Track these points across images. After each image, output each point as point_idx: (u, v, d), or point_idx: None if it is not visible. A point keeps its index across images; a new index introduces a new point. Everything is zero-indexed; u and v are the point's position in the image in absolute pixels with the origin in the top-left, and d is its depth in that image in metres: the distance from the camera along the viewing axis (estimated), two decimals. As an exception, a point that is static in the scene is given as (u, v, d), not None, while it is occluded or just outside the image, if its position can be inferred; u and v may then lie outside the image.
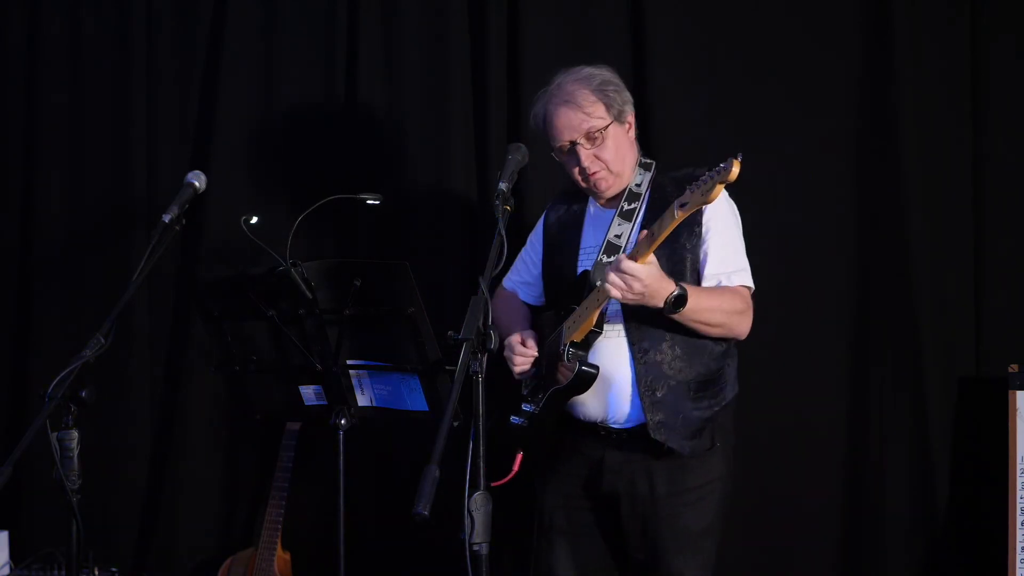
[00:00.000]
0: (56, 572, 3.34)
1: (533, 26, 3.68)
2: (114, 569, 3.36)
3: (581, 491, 2.89)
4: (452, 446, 2.19)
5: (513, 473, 2.80)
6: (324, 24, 3.83)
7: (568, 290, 2.84)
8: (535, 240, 3.09)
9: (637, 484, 2.81)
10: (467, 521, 2.19)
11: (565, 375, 2.74)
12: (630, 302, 2.63)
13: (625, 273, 2.54)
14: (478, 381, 2.28)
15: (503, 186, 2.57)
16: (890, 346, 3.54)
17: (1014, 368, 3.35)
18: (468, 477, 2.22)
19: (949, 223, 3.53)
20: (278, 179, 3.85)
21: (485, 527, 2.20)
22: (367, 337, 2.72)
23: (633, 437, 2.79)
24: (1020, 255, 3.53)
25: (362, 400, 2.82)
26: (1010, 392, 3.34)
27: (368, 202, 3.25)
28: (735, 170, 2.41)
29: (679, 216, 2.51)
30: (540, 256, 3.05)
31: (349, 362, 2.77)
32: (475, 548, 2.19)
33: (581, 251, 2.90)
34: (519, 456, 2.83)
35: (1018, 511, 3.31)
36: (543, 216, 3.09)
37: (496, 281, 3.09)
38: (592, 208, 2.95)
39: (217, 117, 3.85)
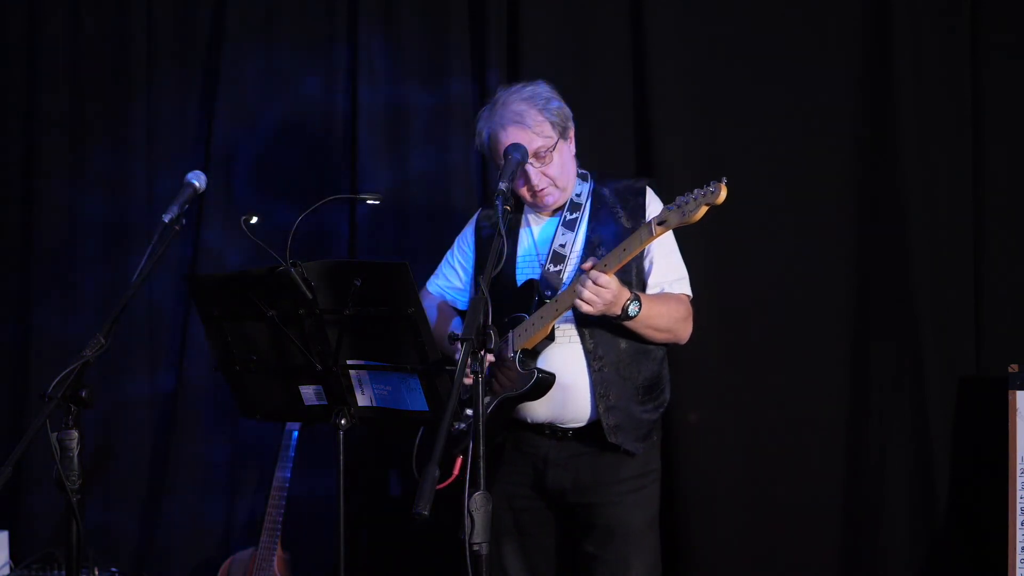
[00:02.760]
0: (56, 572, 3.34)
1: (533, 26, 3.68)
2: (114, 569, 3.36)
3: (526, 491, 2.94)
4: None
5: (454, 477, 2.81)
6: (325, 23, 3.83)
7: (510, 299, 2.87)
8: (464, 246, 3.11)
9: (581, 475, 2.87)
10: (467, 521, 2.19)
11: (518, 382, 2.78)
12: (598, 313, 2.69)
13: (601, 287, 2.62)
14: (478, 381, 2.28)
15: (503, 186, 2.59)
16: (890, 346, 3.54)
17: (1014, 368, 3.35)
18: (468, 477, 2.22)
19: (949, 223, 3.53)
20: (278, 179, 3.85)
21: (485, 527, 2.20)
22: (367, 337, 2.72)
23: (578, 434, 2.86)
24: (1020, 255, 3.53)
25: (362, 400, 2.81)
26: (1010, 392, 3.34)
27: (368, 202, 3.25)
28: (723, 194, 2.47)
29: (657, 232, 2.59)
30: (472, 262, 3.07)
31: (349, 362, 2.76)
32: (475, 548, 2.19)
33: (519, 259, 2.94)
34: (459, 460, 2.84)
35: (1018, 511, 3.31)
36: (474, 221, 3.11)
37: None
38: (528, 216, 2.99)
39: (217, 116, 3.84)
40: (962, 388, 3.53)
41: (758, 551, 3.60)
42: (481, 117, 2.91)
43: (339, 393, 2.80)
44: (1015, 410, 3.33)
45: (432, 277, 3.17)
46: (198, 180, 2.80)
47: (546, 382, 2.78)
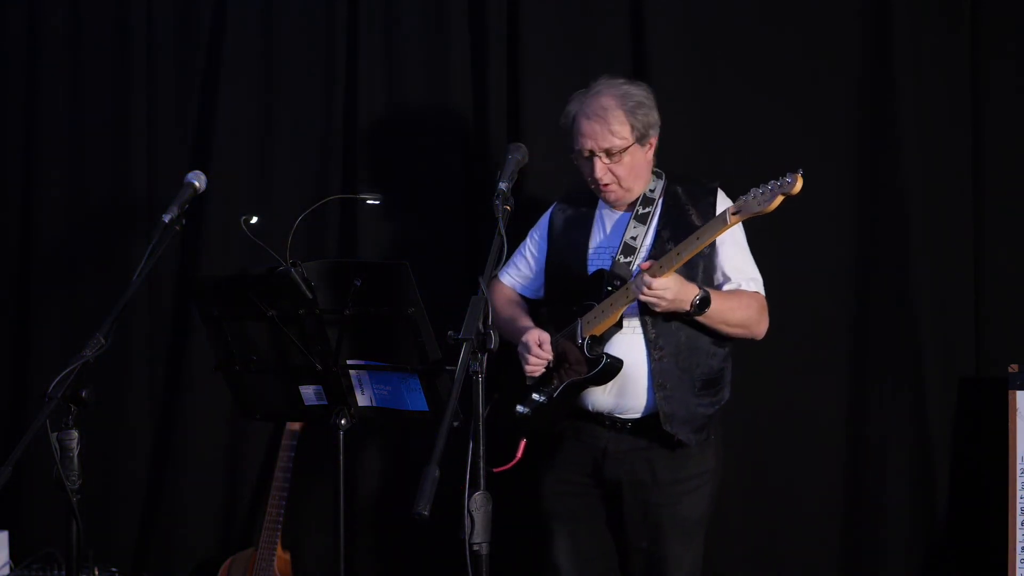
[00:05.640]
0: (56, 572, 3.34)
1: (533, 27, 3.68)
2: (114, 569, 3.36)
3: (582, 478, 2.98)
4: (452, 446, 2.19)
5: (516, 460, 2.89)
6: (324, 22, 3.83)
7: (581, 287, 2.93)
8: (538, 237, 3.16)
9: (639, 472, 2.92)
10: (467, 521, 2.19)
11: (586, 367, 2.83)
12: (664, 311, 2.79)
13: (656, 289, 2.72)
14: (478, 381, 2.28)
15: (503, 186, 2.60)
16: (890, 346, 3.54)
17: (1014, 368, 3.35)
18: (468, 477, 2.22)
19: (949, 223, 3.53)
20: (278, 179, 3.85)
21: (485, 527, 2.20)
22: (367, 337, 2.72)
23: (637, 427, 2.91)
24: (1020, 255, 3.52)
25: (362, 400, 2.82)
26: (1010, 392, 3.34)
27: (368, 202, 3.25)
28: (799, 184, 2.58)
29: (732, 221, 2.69)
30: (544, 253, 3.13)
31: (349, 362, 2.76)
32: (475, 548, 2.19)
33: (591, 251, 3.00)
34: (523, 443, 2.91)
35: (1018, 511, 3.31)
36: (549, 214, 3.15)
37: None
38: (602, 211, 3.05)
39: (217, 116, 3.84)
40: (962, 388, 3.53)
41: (758, 550, 3.59)
42: (573, 99, 2.97)
43: (339, 393, 2.80)
44: (1015, 410, 3.34)
45: (504, 268, 3.21)
46: (198, 180, 2.81)
47: (614, 367, 2.83)
